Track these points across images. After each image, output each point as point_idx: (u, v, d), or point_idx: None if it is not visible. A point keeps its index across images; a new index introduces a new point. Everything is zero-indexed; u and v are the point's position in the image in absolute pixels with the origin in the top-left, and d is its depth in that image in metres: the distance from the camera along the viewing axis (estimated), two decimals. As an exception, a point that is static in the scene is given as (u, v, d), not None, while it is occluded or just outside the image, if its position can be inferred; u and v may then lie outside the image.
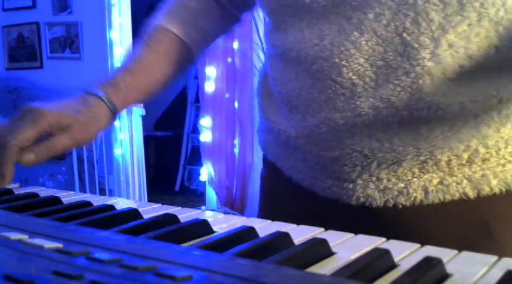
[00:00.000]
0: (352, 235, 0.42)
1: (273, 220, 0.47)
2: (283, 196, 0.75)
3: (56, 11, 3.87)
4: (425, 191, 0.60)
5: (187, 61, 0.82)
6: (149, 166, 4.32)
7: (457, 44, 0.55)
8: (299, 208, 0.71)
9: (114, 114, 0.73)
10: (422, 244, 0.39)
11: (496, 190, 0.58)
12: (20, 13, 4.02)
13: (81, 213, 0.47)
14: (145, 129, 3.55)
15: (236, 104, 3.63)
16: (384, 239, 0.40)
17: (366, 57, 0.57)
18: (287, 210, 0.72)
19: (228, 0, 0.82)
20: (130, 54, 0.79)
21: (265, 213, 0.79)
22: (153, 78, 0.78)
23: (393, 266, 0.34)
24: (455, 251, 0.37)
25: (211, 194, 3.86)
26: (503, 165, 0.58)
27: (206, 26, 0.82)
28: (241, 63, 3.56)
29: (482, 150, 0.58)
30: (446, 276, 0.33)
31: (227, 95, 3.64)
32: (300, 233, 0.42)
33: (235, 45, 3.52)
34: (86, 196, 0.58)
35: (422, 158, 0.59)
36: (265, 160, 0.79)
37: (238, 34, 3.41)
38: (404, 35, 0.55)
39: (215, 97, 3.69)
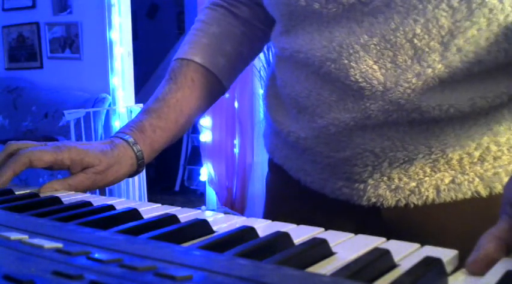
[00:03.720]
0: (352, 235, 0.42)
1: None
2: (291, 199, 0.74)
3: (56, 11, 3.87)
4: (437, 190, 0.59)
5: (216, 90, 0.80)
6: (149, 166, 4.32)
7: (466, 48, 0.54)
8: (308, 211, 0.70)
9: (140, 160, 0.71)
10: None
11: None
12: (20, 13, 4.01)
13: (81, 212, 0.47)
14: (145, 129, 3.54)
15: (236, 104, 3.63)
16: (384, 239, 0.40)
17: (375, 59, 0.57)
18: (295, 212, 0.71)
19: (250, 13, 0.79)
20: (156, 92, 0.76)
21: (271, 217, 0.79)
22: (182, 115, 0.75)
23: (393, 266, 0.34)
24: (456, 251, 0.37)
25: (211, 194, 3.85)
26: None
27: (232, 49, 0.78)
28: (241, 63, 3.56)
29: (493, 147, 0.57)
30: (447, 276, 0.33)
31: (227, 95, 3.64)
32: (300, 233, 0.42)
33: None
34: (86, 196, 0.58)
35: (433, 157, 0.58)
36: (271, 163, 0.78)
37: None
38: (415, 41, 0.55)
39: (215, 97, 3.68)
